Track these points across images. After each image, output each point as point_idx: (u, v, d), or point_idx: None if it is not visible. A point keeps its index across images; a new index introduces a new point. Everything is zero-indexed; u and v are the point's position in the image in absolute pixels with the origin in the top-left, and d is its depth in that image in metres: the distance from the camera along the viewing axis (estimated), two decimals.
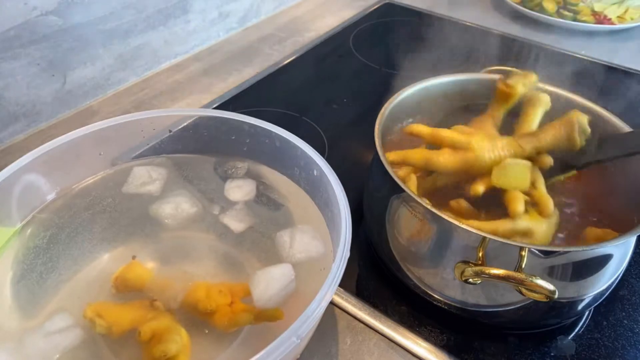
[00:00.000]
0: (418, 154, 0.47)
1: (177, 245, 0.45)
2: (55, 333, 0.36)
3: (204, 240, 0.45)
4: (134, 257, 0.42)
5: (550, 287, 0.36)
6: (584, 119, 0.45)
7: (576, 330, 0.47)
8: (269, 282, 0.40)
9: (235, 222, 0.45)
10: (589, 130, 0.45)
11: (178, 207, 0.46)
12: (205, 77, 0.83)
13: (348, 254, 0.36)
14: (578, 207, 0.47)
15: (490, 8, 1.09)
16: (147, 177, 0.48)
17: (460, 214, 0.45)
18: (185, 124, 0.50)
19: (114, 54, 0.74)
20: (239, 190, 0.48)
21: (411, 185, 0.46)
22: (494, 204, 0.44)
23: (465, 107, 0.56)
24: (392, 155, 0.47)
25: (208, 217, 0.46)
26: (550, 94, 0.52)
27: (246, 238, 0.45)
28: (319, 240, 0.43)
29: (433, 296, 0.45)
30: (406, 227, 0.44)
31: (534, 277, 0.36)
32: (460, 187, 0.47)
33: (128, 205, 0.47)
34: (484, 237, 0.38)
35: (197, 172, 0.50)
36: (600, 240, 0.40)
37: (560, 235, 0.45)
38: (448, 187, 0.48)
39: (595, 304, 0.45)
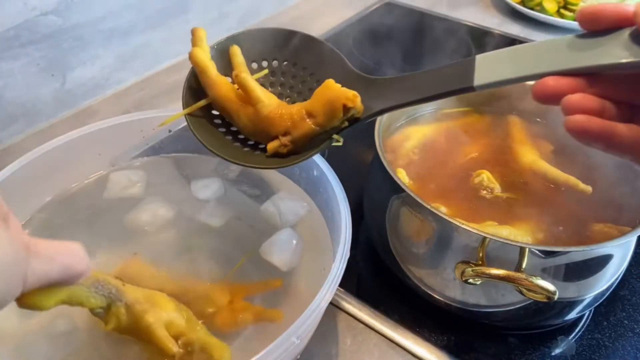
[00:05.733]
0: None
1: (174, 246, 0.45)
2: (59, 336, 0.36)
3: (199, 240, 0.45)
4: (135, 254, 0.42)
5: (551, 287, 0.36)
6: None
7: (576, 330, 0.47)
8: (282, 247, 0.42)
9: (213, 218, 0.46)
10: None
11: (155, 213, 0.46)
12: None
13: (348, 254, 0.36)
14: (581, 205, 0.47)
15: (490, 8, 1.09)
16: (127, 182, 0.48)
17: None
18: (185, 123, 0.50)
19: (114, 54, 0.74)
20: (207, 189, 0.49)
21: (403, 178, 0.46)
22: None
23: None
24: None
25: (184, 220, 0.47)
26: None
27: (245, 237, 0.45)
28: (299, 200, 0.46)
29: (433, 296, 0.45)
30: (406, 227, 0.44)
31: (534, 278, 0.36)
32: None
33: (126, 205, 0.47)
34: (484, 237, 0.38)
35: (197, 172, 0.50)
36: (606, 236, 0.39)
37: (562, 230, 0.44)
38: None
39: (596, 304, 0.45)
